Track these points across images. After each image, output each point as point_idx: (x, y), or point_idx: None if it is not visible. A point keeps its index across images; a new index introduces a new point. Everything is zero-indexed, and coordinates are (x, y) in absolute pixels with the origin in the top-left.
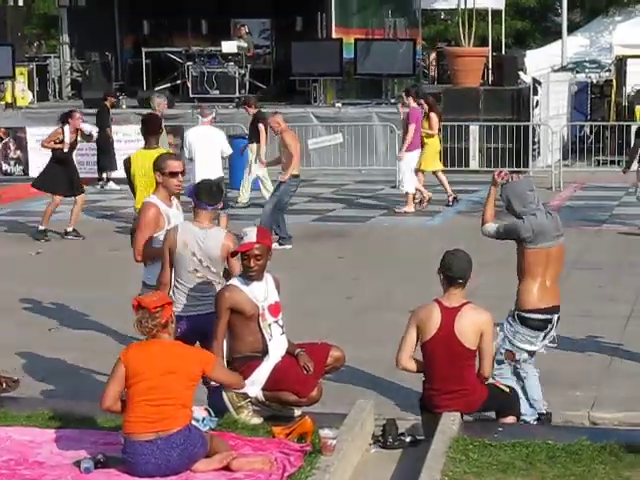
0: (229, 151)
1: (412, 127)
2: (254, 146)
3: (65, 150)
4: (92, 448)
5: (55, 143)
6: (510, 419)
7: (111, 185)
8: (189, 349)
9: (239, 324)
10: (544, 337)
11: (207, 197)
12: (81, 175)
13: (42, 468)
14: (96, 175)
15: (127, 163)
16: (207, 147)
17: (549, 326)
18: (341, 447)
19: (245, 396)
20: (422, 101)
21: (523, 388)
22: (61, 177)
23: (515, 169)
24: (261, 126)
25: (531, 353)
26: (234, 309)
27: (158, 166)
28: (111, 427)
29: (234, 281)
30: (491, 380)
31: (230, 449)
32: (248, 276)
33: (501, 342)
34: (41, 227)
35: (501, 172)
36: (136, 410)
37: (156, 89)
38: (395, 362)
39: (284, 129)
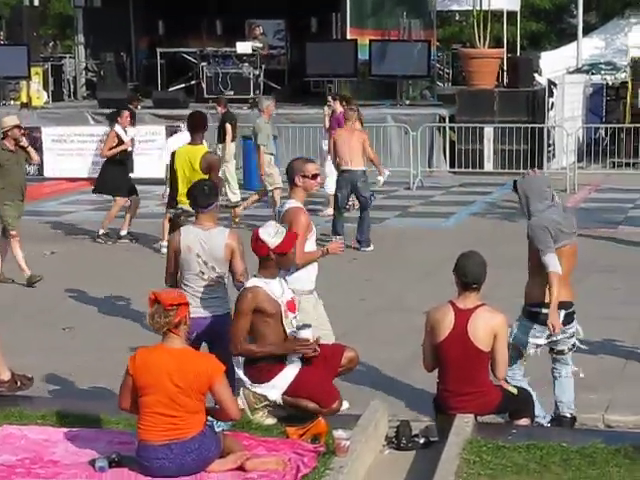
0: None
1: None
2: (222, 146)
3: (130, 149)
4: (107, 447)
5: (110, 149)
6: (524, 421)
7: None
8: (197, 360)
9: (262, 324)
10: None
11: (201, 199)
12: (95, 176)
13: (57, 467)
14: None
15: (172, 157)
16: None
17: None
18: (355, 448)
19: (263, 399)
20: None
21: (553, 388)
22: (121, 178)
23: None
24: (228, 126)
25: (554, 350)
26: (257, 309)
27: (298, 169)
28: (125, 427)
29: (255, 281)
30: (499, 382)
31: (244, 449)
32: (272, 274)
33: (510, 339)
34: (102, 231)
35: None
36: (148, 420)
37: (170, 89)
38: (425, 369)
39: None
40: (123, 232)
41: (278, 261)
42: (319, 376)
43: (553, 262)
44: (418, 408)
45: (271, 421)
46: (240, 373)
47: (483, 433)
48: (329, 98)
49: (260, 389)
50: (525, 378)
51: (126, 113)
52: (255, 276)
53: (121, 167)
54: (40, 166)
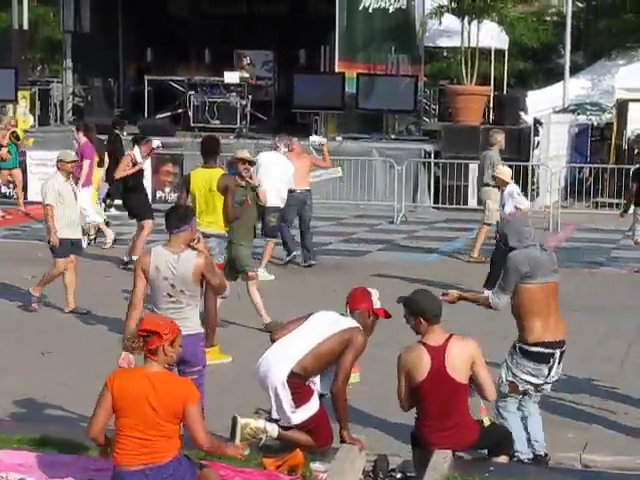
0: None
1: (87, 162)
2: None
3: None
4: (82, 474)
5: (124, 170)
6: (502, 458)
7: (112, 211)
8: (173, 383)
9: None
10: (549, 371)
11: (171, 222)
12: None
13: None
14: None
15: (187, 180)
16: (274, 174)
17: (551, 360)
18: None
19: (261, 432)
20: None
21: (525, 426)
22: (143, 202)
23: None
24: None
25: (537, 388)
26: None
27: None
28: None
29: None
30: (477, 416)
31: None
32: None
33: (504, 374)
34: (133, 257)
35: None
36: (124, 443)
37: (157, 117)
38: (402, 410)
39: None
40: (131, 257)
41: (368, 322)
42: (326, 418)
43: (498, 302)
44: (396, 442)
45: (247, 451)
46: (279, 385)
47: (460, 469)
48: (73, 129)
49: (295, 413)
50: (518, 412)
51: (151, 144)
52: None
53: (137, 192)
54: (24, 190)
